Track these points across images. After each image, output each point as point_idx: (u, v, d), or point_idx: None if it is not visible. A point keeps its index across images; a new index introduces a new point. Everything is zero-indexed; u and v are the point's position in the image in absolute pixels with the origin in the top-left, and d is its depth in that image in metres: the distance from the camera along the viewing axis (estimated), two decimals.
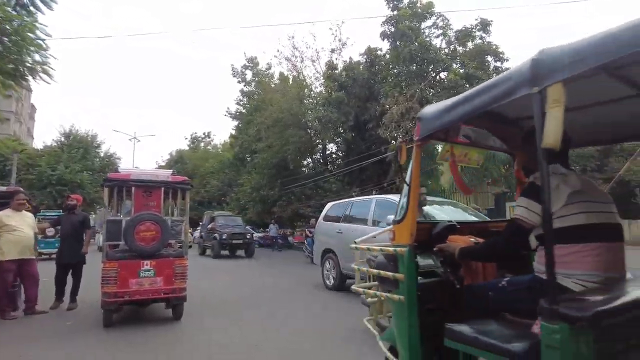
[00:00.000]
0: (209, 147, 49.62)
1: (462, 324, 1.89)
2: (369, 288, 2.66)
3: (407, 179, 2.35)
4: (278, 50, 35.21)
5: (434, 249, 2.40)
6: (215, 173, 37.90)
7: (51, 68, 11.80)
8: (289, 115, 21.93)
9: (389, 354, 2.41)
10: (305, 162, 28.08)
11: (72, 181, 29.21)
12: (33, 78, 12.25)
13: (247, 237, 18.41)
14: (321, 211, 10.77)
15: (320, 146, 26.07)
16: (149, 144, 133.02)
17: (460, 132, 2.51)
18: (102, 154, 36.52)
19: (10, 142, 31.17)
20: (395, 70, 20.32)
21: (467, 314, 2.04)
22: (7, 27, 11.24)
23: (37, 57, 11.95)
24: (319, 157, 26.44)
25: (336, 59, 22.29)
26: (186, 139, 57.41)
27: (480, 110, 1.90)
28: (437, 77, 20.29)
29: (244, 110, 32.33)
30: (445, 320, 1.96)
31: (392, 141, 17.07)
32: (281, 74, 28.40)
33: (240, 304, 7.26)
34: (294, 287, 9.28)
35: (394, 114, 16.69)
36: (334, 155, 25.94)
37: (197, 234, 24.40)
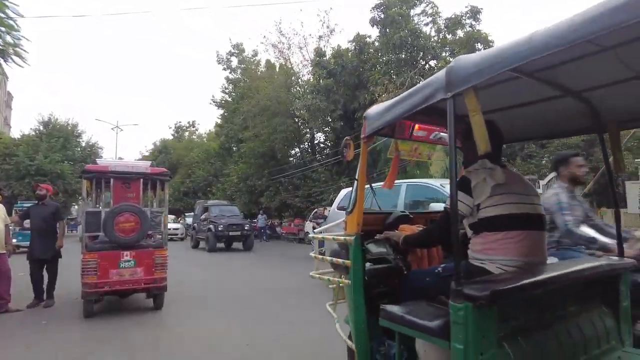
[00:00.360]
0: (193, 136, 48.71)
1: (394, 305, 2.07)
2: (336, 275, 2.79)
3: (357, 174, 2.53)
4: (264, 37, 34.57)
5: (376, 236, 2.54)
6: (200, 163, 37.19)
7: (24, 50, 11.21)
8: (276, 104, 21.49)
9: (344, 336, 2.61)
10: (292, 152, 27.72)
11: (52, 171, 28.30)
12: (4, 60, 11.68)
13: (246, 228, 16.59)
14: (310, 201, 10.54)
15: (308, 135, 25.72)
16: (133, 133, 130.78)
17: (409, 129, 2.72)
18: (83, 144, 35.43)
19: None
20: (384, 58, 20.03)
21: (409, 298, 2.19)
22: None
23: (8, 38, 11.36)
24: (307, 146, 26.08)
25: (324, 46, 21.85)
26: (170, 128, 56.39)
27: (410, 112, 2.05)
28: (427, 65, 20.07)
29: (229, 99, 31.68)
30: (393, 303, 2.11)
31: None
32: (267, 61, 27.87)
33: (239, 302, 6.54)
34: (304, 286, 7.51)
35: (384, 102, 16.41)
36: (322, 145, 25.61)
37: (185, 224, 23.30)
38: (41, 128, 33.52)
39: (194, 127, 49.89)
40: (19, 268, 6.28)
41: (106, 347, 4.28)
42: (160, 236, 6.36)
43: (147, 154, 51.05)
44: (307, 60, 23.08)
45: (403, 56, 19.76)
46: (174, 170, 42.96)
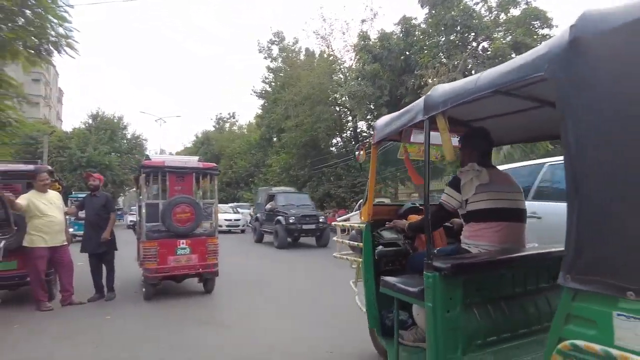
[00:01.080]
0: (234, 127, 49.15)
1: (392, 277, 2.60)
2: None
3: (369, 175, 3.16)
4: (306, 22, 33.55)
5: (386, 224, 3.10)
6: (242, 154, 37.42)
7: (75, 41, 11.26)
8: (319, 92, 20.93)
9: (361, 306, 3.28)
10: (334, 142, 27.19)
11: (100, 163, 29.29)
12: (58, 52, 11.80)
13: (320, 220, 14.03)
14: (354, 191, 10.08)
15: (350, 124, 25.06)
16: (176, 125, 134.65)
17: (413, 135, 3.11)
18: (129, 136, 36.55)
19: (41, 125, 31.37)
20: (433, 40, 18.98)
21: (410, 273, 2.70)
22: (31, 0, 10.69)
23: (60, 30, 11.43)
24: (349, 135, 25.43)
25: (367, 30, 20.97)
26: (211, 120, 57.14)
27: (405, 126, 2.60)
28: (480, 46, 18.86)
29: (269, 89, 31.47)
30: None
31: None
32: (307, 49, 27.29)
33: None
34: None
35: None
36: (364, 134, 24.89)
37: (243, 216, 21.70)
38: (90, 121, 34.79)
39: (234, 118, 50.37)
40: (78, 258, 6.15)
41: (177, 352, 3.94)
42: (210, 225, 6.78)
43: (189, 145, 52.16)
44: (350, 46, 22.32)
45: (453, 37, 18.66)
46: (216, 161, 43.58)
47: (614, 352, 1.25)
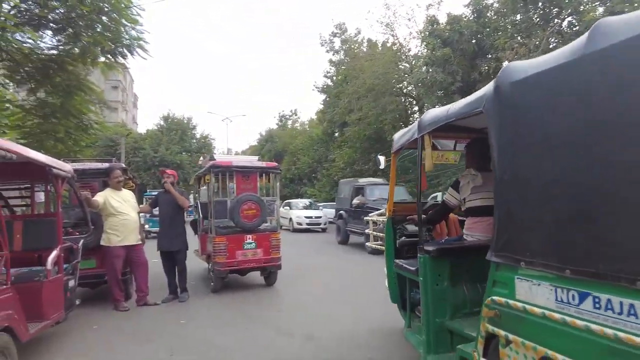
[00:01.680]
0: (296, 124, 49.53)
1: (402, 260, 3.53)
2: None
3: (390, 178, 3.97)
4: (369, 11, 32.16)
5: (407, 217, 3.85)
6: (304, 150, 37.49)
7: (145, 42, 11.52)
8: (384, 82, 20.06)
9: (386, 284, 4.01)
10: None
11: (172, 162, 30.68)
12: (131, 54, 12.17)
13: None
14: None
15: (417, 114, 23.90)
16: (242, 124, 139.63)
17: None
18: (198, 136, 38.01)
19: (119, 128, 33.64)
20: (510, 19, 17.38)
21: None
22: (106, 5, 11.09)
23: (133, 32, 11.77)
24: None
25: (434, 15, 19.71)
26: (275, 117, 58.07)
27: (409, 141, 3.39)
28: (565, 21, 16.93)
29: (330, 83, 31.07)
30: None
31: None
32: (369, 40, 26.40)
33: None
34: None
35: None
36: None
37: (321, 213, 19.50)
38: (162, 123, 36.64)
39: (296, 115, 50.76)
40: (153, 255, 6.08)
41: None
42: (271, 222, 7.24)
43: (254, 143, 53.42)
44: (416, 32, 21.16)
45: (532, 15, 16.92)
46: (279, 158, 44.24)
47: (512, 302, 1.98)
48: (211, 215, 6.31)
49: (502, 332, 2.00)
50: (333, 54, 27.71)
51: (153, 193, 17.64)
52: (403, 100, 22.70)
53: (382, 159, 4.79)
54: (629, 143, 1.49)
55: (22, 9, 10.26)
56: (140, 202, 7.14)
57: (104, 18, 10.51)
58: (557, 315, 1.73)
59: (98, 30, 10.18)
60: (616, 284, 1.51)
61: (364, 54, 24.25)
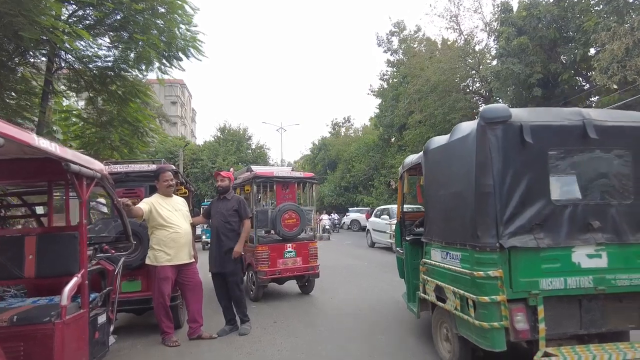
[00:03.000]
0: (350, 131, 48.41)
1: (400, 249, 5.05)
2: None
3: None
4: (430, 6, 30.05)
5: (416, 222, 5.03)
6: (359, 157, 36.19)
7: (200, 41, 10.94)
8: (451, 77, 18.38)
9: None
10: None
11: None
12: (186, 57, 11.68)
13: None
14: None
15: None
16: (295, 133, 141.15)
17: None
18: (253, 146, 38.04)
19: (177, 141, 34.39)
20: None
21: None
22: (160, 8, 10.65)
23: (188, 34, 11.27)
24: None
25: (507, 0, 17.75)
26: (327, 125, 57.35)
27: (409, 167, 4.76)
28: None
29: (386, 86, 29.67)
30: None
31: (613, 85, 12.41)
32: (427, 39, 24.77)
33: None
34: None
35: (615, 51, 12.00)
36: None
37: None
38: (219, 134, 37.03)
39: (349, 122, 49.66)
40: (207, 273, 5.09)
41: None
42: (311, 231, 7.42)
43: (307, 153, 52.91)
44: (484, 23, 19.28)
45: None
46: (333, 166, 43.31)
47: (429, 261, 3.78)
48: (254, 225, 6.23)
49: (426, 277, 3.80)
50: (391, 54, 26.30)
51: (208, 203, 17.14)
52: (472, 98, 20.81)
53: (392, 181, 6.49)
54: (455, 184, 3.37)
55: (79, 15, 10.08)
56: (196, 213, 6.28)
57: (158, 21, 10.09)
58: (441, 264, 3.54)
59: (153, 33, 9.73)
60: (455, 246, 3.32)
61: (426, 50, 22.65)
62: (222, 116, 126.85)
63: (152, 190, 4.55)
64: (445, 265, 3.42)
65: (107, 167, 4.64)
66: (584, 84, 17.10)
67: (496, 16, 17.49)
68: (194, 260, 4.46)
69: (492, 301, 2.80)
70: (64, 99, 11.67)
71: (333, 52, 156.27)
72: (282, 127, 37.70)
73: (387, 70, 28.53)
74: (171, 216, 4.22)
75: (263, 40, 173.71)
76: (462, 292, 3.08)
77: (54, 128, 11.20)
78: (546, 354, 2.74)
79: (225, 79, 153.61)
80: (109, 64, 10.97)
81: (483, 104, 21.55)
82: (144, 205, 4.10)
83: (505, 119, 2.98)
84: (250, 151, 36.98)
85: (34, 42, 8.07)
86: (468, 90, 21.32)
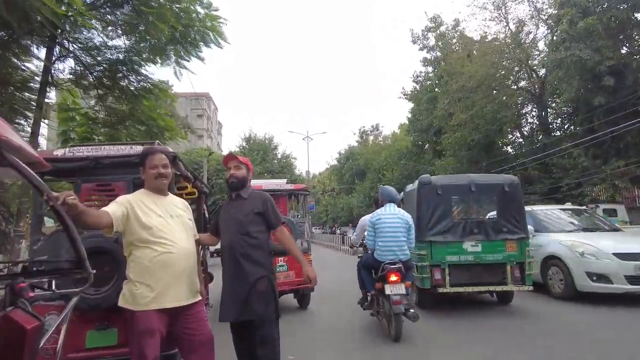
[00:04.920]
0: (379, 139, 46.59)
1: None
2: None
3: None
4: None
5: None
6: (389, 165, 34.25)
7: (221, 21, 9.47)
8: (498, 72, 16.42)
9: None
10: (509, 138, 21.93)
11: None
12: (205, 45, 10.26)
13: None
14: (555, 198, 12.94)
15: (535, 112, 19.66)
16: (322, 142, 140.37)
17: None
18: (279, 156, 36.73)
19: (202, 151, 33.45)
20: None
21: None
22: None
23: (207, 21, 9.85)
24: (533, 124, 19.99)
25: None
26: (354, 134, 55.69)
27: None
28: None
29: (419, 89, 27.83)
30: None
31: None
32: (464, 35, 22.83)
33: None
34: None
35: None
36: (558, 121, 19.19)
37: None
38: (244, 144, 35.90)
39: (377, 130, 47.91)
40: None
41: None
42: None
43: (334, 162, 51.34)
44: (537, 11, 17.24)
45: None
46: (362, 175, 41.54)
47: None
48: None
49: None
50: (427, 52, 24.45)
51: None
52: (519, 96, 18.73)
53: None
54: (412, 211, 5.60)
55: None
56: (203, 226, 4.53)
57: (174, 6, 8.74)
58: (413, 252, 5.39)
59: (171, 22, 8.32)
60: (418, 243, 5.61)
61: (464, 47, 20.70)
62: (248, 128, 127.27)
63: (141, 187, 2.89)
64: (417, 253, 6.03)
65: (67, 150, 3.06)
66: None
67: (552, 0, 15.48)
68: (199, 298, 2.74)
69: (422, 265, 5.91)
70: (71, 97, 10.41)
71: (362, 58, 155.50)
72: (309, 136, 36.20)
73: (421, 72, 26.74)
74: (162, 225, 2.52)
75: (290, 48, 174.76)
76: (414, 262, 5.69)
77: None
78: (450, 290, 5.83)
79: (252, 89, 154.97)
80: (120, 56, 9.71)
81: (533, 103, 19.42)
82: (116, 207, 2.42)
83: (429, 182, 6.29)
84: (276, 161, 35.64)
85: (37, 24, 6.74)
86: (515, 86, 19.22)
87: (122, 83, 9.85)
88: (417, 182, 6.46)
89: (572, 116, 17.61)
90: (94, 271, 2.22)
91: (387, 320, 4.86)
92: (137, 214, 2.49)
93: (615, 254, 5.94)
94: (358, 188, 39.29)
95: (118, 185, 2.93)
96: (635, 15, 14.00)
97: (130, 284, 2.46)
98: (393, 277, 4.61)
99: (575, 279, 6.19)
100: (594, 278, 5.99)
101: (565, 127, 19.01)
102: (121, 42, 9.60)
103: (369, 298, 5.23)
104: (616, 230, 7.54)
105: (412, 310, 4.52)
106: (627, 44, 14.22)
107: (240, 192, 2.94)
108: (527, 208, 8.06)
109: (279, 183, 8.02)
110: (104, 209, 2.39)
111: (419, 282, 5.93)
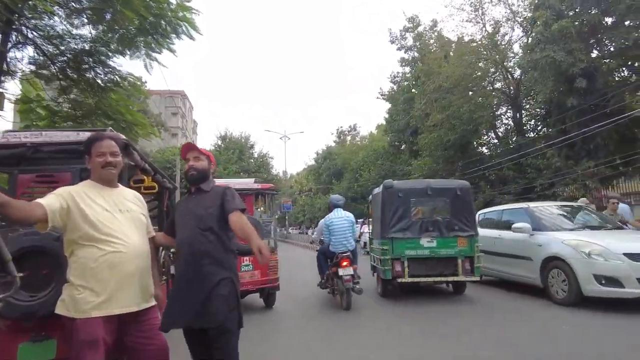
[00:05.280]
0: (357, 139, 46.65)
1: None
2: None
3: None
4: None
5: None
6: (368, 164, 34.29)
7: (194, 11, 9.07)
8: (474, 72, 16.52)
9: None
10: (484, 139, 22.20)
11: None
12: (177, 36, 9.83)
13: None
14: (529, 198, 12.57)
15: (510, 112, 19.93)
16: (300, 142, 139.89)
17: None
18: (256, 155, 36.23)
19: (176, 150, 32.60)
20: None
21: None
22: None
23: (179, 11, 9.43)
24: (508, 125, 20.26)
25: None
26: (332, 134, 55.67)
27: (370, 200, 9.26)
28: None
29: (396, 89, 27.91)
30: None
31: None
32: (441, 36, 22.98)
33: None
34: None
35: None
36: (532, 122, 19.51)
37: None
38: (219, 142, 35.23)
39: (355, 130, 47.97)
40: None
41: None
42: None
43: (311, 162, 51.08)
44: (512, 13, 17.46)
45: None
46: (339, 175, 41.44)
47: (372, 246, 8.75)
48: None
49: (372, 254, 8.51)
50: (405, 52, 24.51)
51: None
52: (494, 97, 18.96)
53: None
54: (377, 212, 7.75)
55: None
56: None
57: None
58: (376, 247, 7.68)
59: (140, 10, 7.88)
60: (379, 239, 7.44)
61: (442, 48, 20.82)
62: (224, 126, 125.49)
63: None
64: (376, 247, 7.56)
65: (0, 135, 2.72)
66: (628, 74, 15.17)
67: (527, 1, 15.69)
68: (154, 303, 2.43)
69: (385, 258, 6.74)
70: (33, 89, 9.79)
71: (339, 59, 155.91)
72: (286, 135, 35.85)
73: (398, 72, 26.83)
74: (109, 221, 2.22)
75: (267, 47, 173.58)
76: (379, 256, 7.16)
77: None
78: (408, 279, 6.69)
79: (228, 88, 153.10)
80: (86, 46, 9.17)
81: (507, 104, 19.69)
82: (52, 199, 2.10)
83: (392, 186, 7.17)
84: (252, 160, 35.13)
85: None
86: (490, 87, 19.45)
87: (88, 75, 9.33)
88: (382, 186, 7.38)
89: (545, 118, 17.92)
90: (22, 274, 1.91)
91: (339, 295, 6.59)
92: (80, 207, 2.18)
93: (626, 254, 5.28)
94: (335, 188, 39.18)
95: (62, 176, 2.58)
96: (606, 19, 14.31)
97: (71, 287, 2.15)
98: (344, 263, 6.30)
99: (581, 282, 5.52)
100: (603, 281, 5.33)
101: (539, 128, 19.36)
102: (87, 31, 9.11)
103: (324, 279, 6.97)
104: (621, 228, 6.91)
105: (357, 286, 6.31)
106: (597, 48, 14.50)
107: (201, 186, 2.63)
108: (523, 205, 7.88)
109: (247, 182, 7.91)
110: (38, 200, 2.07)
111: (382, 273, 6.92)
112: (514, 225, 7.06)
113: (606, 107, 13.57)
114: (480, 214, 8.75)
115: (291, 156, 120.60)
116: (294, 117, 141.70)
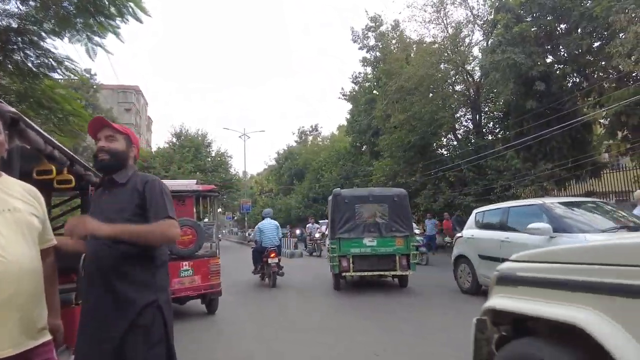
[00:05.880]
0: (318, 139, 46.29)
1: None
2: None
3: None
4: None
5: None
6: (328, 165, 33.96)
7: None
8: (436, 73, 16.50)
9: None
10: (444, 141, 22.38)
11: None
12: (123, 19, 8.87)
13: None
14: (489, 199, 12.20)
15: (469, 115, 20.18)
16: (260, 141, 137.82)
17: None
18: (213, 153, 34.89)
19: None
20: None
21: None
22: None
23: None
24: (467, 127, 20.49)
25: None
26: (294, 134, 55.01)
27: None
28: None
29: (358, 89, 27.76)
30: None
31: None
32: (402, 38, 23.02)
33: None
34: None
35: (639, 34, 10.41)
36: (490, 124, 19.82)
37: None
38: (174, 140, 33.65)
39: (316, 130, 47.62)
40: None
41: None
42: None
43: (272, 163, 50.20)
44: (473, 16, 17.63)
45: None
46: (300, 176, 40.85)
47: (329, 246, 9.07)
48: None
49: (329, 253, 8.90)
50: (367, 51, 24.31)
51: None
52: (457, 98, 19.10)
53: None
54: (337, 213, 8.54)
55: None
56: None
57: None
58: (329, 246, 8.77)
59: None
60: (331, 239, 8.76)
61: (403, 49, 20.77)
62: (180, 123, 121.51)
63: None
64: (329, 246, 8.62)
65: None
66: (579, 80, 15.64)
67: (487, 4, 15.86)
68: (47, 338, 1.75)
69: (333, 255, 8.09)
70: None
71: (300, 57, 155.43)
72: (246, 134, 34.81)
73: (360, 73, 26.65)
74: None
75: (228, 43, 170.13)
76: (330, 254, 8.31)
77: None
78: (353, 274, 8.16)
79: (185, 84, 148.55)
80: (13, 23, 8.05)
81: (467, 107, 19.93)
82: None
83: (340, 194, 8.73)
84: (209, 159, 33.78)
85: None
86: (451, 89, 19.59)
87: (15, 57, 8.21)
88: (332, 194, 9.04)
89: (504, 120, 18.24)
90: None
91: (268, 278, 9.45)
92: None
93: None
94: (297, 189, 38.59)
95: None
96: (561, 26, 14.66)
97: None
98: (272, 255, 9.14)
99: None
100: None
101: (497, 130, 19.72)
102: (14, 6, 8.00)
103: (258, 268, 9.81)
104: None
105: (281, 271, 9.30)
106: (552, 53, 14.83)
107: (113, 176, 1.95)
108: (538, 201, 6.62)
109: (187, 184, 7.75)
110: None
111: (332, 269, 8.31)
112: (529, 226, 5.77)
113: (561, 111, 13.89)
114: (477, 213, 7.91)
115: (251, 156, 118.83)
116: (253, 116, 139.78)
